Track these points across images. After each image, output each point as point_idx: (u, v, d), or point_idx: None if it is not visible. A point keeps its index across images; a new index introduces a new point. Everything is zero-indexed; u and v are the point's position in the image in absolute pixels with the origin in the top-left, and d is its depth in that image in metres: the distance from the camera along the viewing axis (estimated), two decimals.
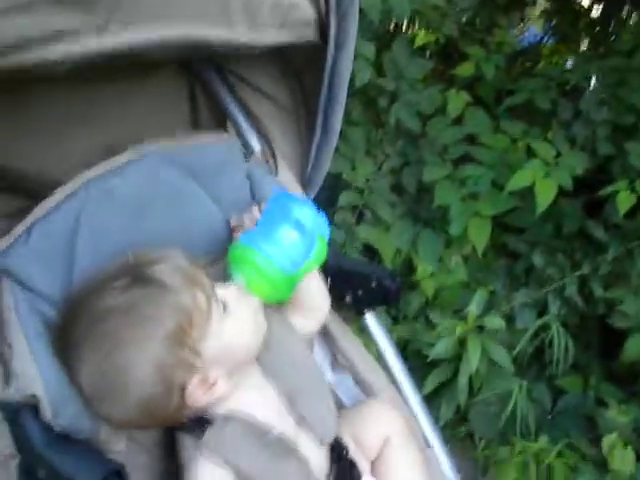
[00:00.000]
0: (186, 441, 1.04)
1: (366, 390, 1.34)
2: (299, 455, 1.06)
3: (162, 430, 1.13)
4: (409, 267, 2.14)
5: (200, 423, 1.03)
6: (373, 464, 1.22)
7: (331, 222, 2.14)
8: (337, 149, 2.15)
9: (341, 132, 2.14)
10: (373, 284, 1.27)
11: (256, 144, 1.34)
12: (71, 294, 1.01)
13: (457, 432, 2.02)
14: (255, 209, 1.14)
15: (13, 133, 1.14)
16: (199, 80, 1.35)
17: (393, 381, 1.33)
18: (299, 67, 1.27)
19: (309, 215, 1.09)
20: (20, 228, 1.04)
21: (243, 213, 1.16)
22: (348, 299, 1.31)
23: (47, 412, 0.94)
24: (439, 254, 2.11)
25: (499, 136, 2.07)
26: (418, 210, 2.18)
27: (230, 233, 1.18)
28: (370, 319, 1.34)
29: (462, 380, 1.87)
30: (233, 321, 1.02)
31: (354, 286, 1.30)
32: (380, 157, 2.19)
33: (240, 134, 1.34)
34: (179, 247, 1.07)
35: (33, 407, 0.95)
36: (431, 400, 1.98)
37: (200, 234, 1.18)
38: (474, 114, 2.14)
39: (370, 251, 2.18)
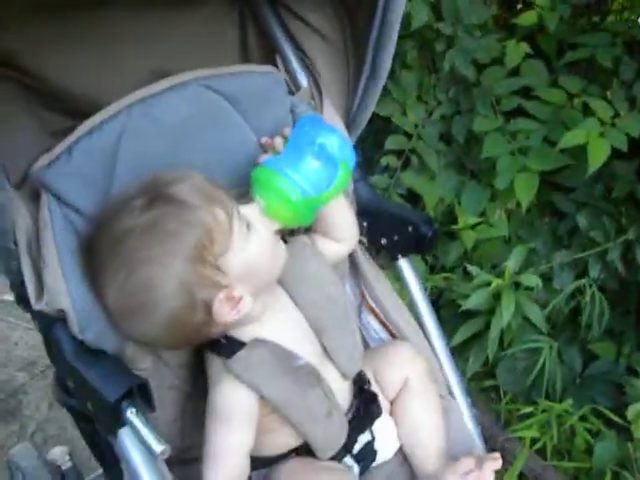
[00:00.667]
0: (214, 362, 1.07)
1: (392, 333, 1.35)
2: (324, 385, 1.08)
3: (190, 352, 1.16)
4: (451, 217, 2.12)
5: (229, 345, 1.05)
6: (391, 404, 1.25)
7: (376, 165, 2.15)
8: (388, 92, 2.14)
9: (393, 75, 2.13)
10: (409, 229, 1.26)
11: (303, 80, 1.33)
12: (94, 215, 1.03)
13: (483, 385, 2.03)
14: (286, 130, 1.14)
15: (67, 53, 1.14)
16: (251, 11, 1.34)
17: (422, 328, 1.34)
18: (351, 3, 1.24)
19: (334, 141, 1.07)
20: (62, 145, 1.05)
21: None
22: (384, 242, 1.31)
23: (74, 326, 0.98)
24: (482, 206, 2.08)
25: (556, 91, 2.00)
26: (465, 160, 2.14)
27: None
28: (404, 265, 1.33)
29: (493, 333, 1.86)
30: (256, 239, 1.03)
31: (390, 230, 1.30)
32: (431, 103, 2.15)
33: (288, 69, 1.33)
34: (217, 174, 1.08)
35: (64, 320, 0.98)
36: (460, 351, 1.99)
37: (239, 162, 1.18)
38: (532, 66, 2.06)
39: (413, 197, 2.17)
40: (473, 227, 2.05)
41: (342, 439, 1.10)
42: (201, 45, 1.30)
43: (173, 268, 0.95)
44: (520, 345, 1.91)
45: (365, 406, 1.18)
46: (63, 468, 1.53)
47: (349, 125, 1.33)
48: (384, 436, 1.20)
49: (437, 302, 2.11)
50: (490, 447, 1.89)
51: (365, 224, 1.32)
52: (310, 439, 1.07)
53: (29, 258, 1.00)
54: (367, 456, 1.17)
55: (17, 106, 1.15)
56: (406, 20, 1.96)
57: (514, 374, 1.97)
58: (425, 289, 1.98)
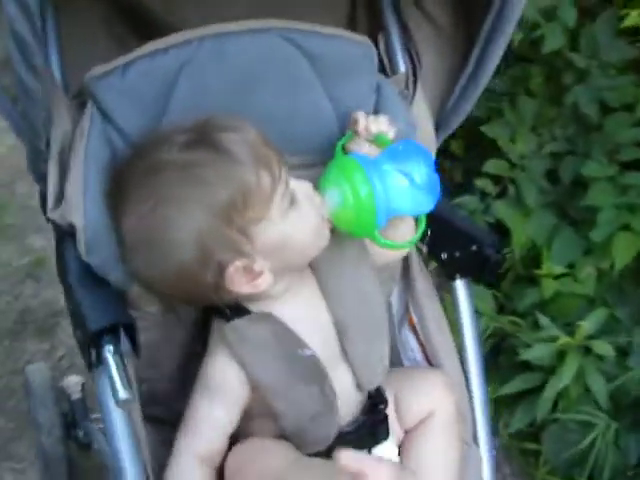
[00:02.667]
0: (217, 327, 1.00)
1: (429, 358, 1.23)
2: (326, 384, 0.99)
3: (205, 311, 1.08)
4: (536, 260, 1.96)
5: (235, 312, 0.97)
6: (406, 434, 1.13)
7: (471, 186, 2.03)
8: (503, 114, 2.01)
9: (513, 99, 2.00)
10: (473, 247, 1.14)
11: (402, 66, 1.24)
12: (137, 140, 0.97)
13: (524, 446, 1.86)
14: (383, 118, 1.04)
15: None
16: None
17: (462, 362, 1.21)
18: None
19: (427, 175, 0.98)
20: (121, 60, 1.00)
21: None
22: (443, 256, 1.20)
23: (82, 245, 0.93)
24: (573, 258, 1.91)
25: None
26: (566, 205, 1.97)
27: (336, 139, 1.07)
28: (460, 287, 1.21)
29: (548, 393, 1.70)
30: (297, 217, 0.94)
31: (453, 244, 1.18)
32: (545, 137, 2.00)
33: (389, 51, 1.24)
34: (278, 133, 1.00)
35: (74, 237, 0.94)
36: (509, 404, 1.84)
37: (305, 127, 1.10)
38: None
39: (501, 230, 2.02)
40: (557, 277, 1.89)
41: (324, 445, 1.00)
42: (309, 6, 1.22)
43: (194, 218, 0.89)
44: (574, 415, 1.73)
45: (371, 426, 1.07)
46: (72, 398, 1.51)
47: (439, 124, 1.22)
48: None
49: (499, 346, 1.96)
50: None
51: (428, 231, 1.21)
52: (287, 433, 0.98)
53: (57, 164, 0.96)
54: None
55: (98, 20, 1.13)
56: (539, 42, 1.84)
57: (561, 444, 1.78)
58: (487, 328, 1.89)
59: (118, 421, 0.90)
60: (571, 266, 1.91)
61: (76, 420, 1.50)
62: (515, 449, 1.85)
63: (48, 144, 0.97)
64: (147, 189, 0.90)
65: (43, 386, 1.49)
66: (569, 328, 1.81)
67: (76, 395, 1.51)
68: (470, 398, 1.18)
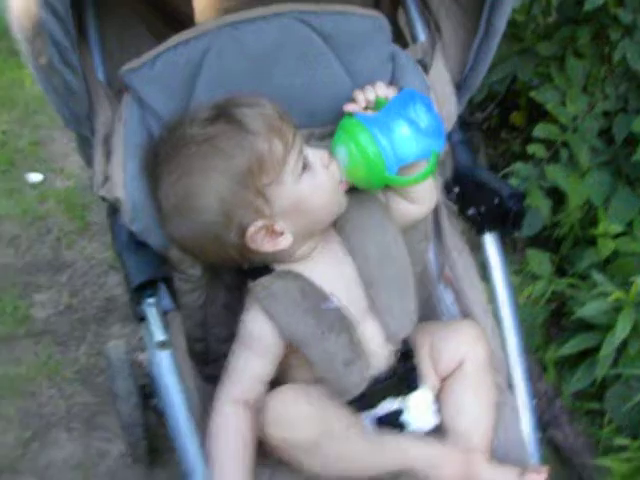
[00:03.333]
0: (250, 287, 1.09)
1: (464, 312, 1.28)
2: (355, 333, 1.06)
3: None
4: (594, 221, 1.95)
5: (263, 271, 1.08)
6: (442, 383, 1.19)
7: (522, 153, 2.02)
8: (550, 79, 2.00)
9: (561, 62, 1.98)
10: (495, 201, 1.18)
11: (422, 35, 1.30)
12: (168, 120, 1.08)
13: (588, 406, 1.85)
14: (380, 83, 1.12)
15: None
16: None
17: (495, 312, 1.25)
18: None
19: (432, 123, 1.06)
20: (151, 53, 1.12)
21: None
22: (471, 212, 1.25)
23: (126, 215, 1.05)
24: (630, 216, 1.89)
25: None
26: (622, 163, 1.95)
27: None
28: (489, 241, 1.25)
29: (605, 350, 1.68)
30: (311, 181, 1.03)
31: (479, 200, 1.23)
32: (597, 96, 1.98)
33: (409, 21, 1.31)
34: (298, 108, 1.09)
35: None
36: (571, 366, 1.84)
37: (324, 99, 1.18)
38: None
39: (557, 194, 2.01)
40: (614, 237, 1.87)
41: (358, 390, 1.07)
42: None
43: (216, 184, 0.99)
44: (634, 370, 1.71)
45: (403, 375, 1.13)
46: (147, 370, 1.63)
47: (460, 86, 1.28)
48: (418, 410, 1.15)
49: (559, 309, 1.96)
50: (577, 474, 1.75)
51: (457, 190, 1.26)
52: (324, 380, 1.06)
53: (102, 148, 1.09)
54: (392, 424, 1.13)
55: (137, 17, 1.25)
56: (581, 2, 1.82)
57: (623, 402, 1.76)
58: (545, 292, 1.89)
59: (161, 361, 1.02)
60: (629, 224, 1.89)
61: (152, 390, 1.63)
62: (579, 410, 1.85)
63: (92, 132, 1.10)
64: (175, 161, 1.02)
65: (120, 359, 1.62)
66: (627, 287, 1.79)
67: None
68: (504, 347, 1.22)
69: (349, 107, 1.11)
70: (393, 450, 1.08)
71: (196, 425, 1.04)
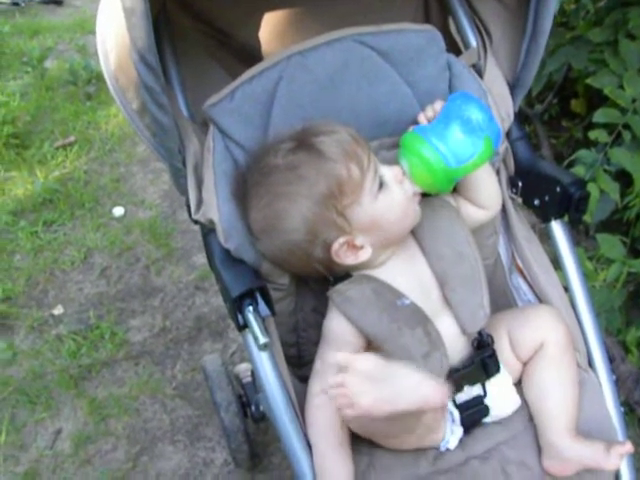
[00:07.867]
0: (330, 293, 1.18)
1: (539, 298, 1.33)
2: (429, 326, 1.13)
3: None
4: None
5: (341, 278, 1.17)
6: (524, 367, 1.24)
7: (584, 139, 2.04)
8: (605, 64, 2.02)
9: (615, 45, 2.00)
10: (558, 189, 1.23)
11: (473, 41, 1.36)
12: (254, 150, 1.19)
13: None
14: (439, 102, 1.21)
15: (254, 16, 1.36)
16: None
17: (570, 296, 1.30)
18: None
19: (481, 116, 1.14)
20: (229, 88, 1.23)
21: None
22: (536, 203, 1.30)
23: (220, 235, 1.16)
24: None
25: None
26: None
27: None
28: (556, 227, 1.30)
29: None
30: (387, 198, 1.13)
31: (542, 190, 1.28)
32: None
33: (459, 29, 1.38)
34: (364, 123, 1.21)
35: (215, 231, 1.17)
36: None
37: (390, 113, 1.28)
38: None
39: (623, 176, 2.03)
40: None
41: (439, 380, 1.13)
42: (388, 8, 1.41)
43: (301, 207, 1.10)
44: None
45: (481, 363, 1.19)
46: (244, 381, 1.74)
47: (514, 85, 1.34)
48: (499, 394, 1.20)
49: (637, 290, 1.96)
50: None
51: (520, 184, 1.32)
52: None
53: (194, 177, 1.20)
54: (474, 409, 1.18)
55: (209, 56, 1.36)
56: None
57: None
58: (620, 275, 1.90)
59: (264, 361, 1.12)
60: None
61: (249, 399, 1.74)
62: None
63: (184, 163, 1.21)
64: (263, 188, 1.14)
65: (217, 371, 1.72)
66: None
67: (247, 379, 1.75)
68: (581, 327, 1.27)
69: (411, 128, 1.20)
70: None
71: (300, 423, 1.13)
